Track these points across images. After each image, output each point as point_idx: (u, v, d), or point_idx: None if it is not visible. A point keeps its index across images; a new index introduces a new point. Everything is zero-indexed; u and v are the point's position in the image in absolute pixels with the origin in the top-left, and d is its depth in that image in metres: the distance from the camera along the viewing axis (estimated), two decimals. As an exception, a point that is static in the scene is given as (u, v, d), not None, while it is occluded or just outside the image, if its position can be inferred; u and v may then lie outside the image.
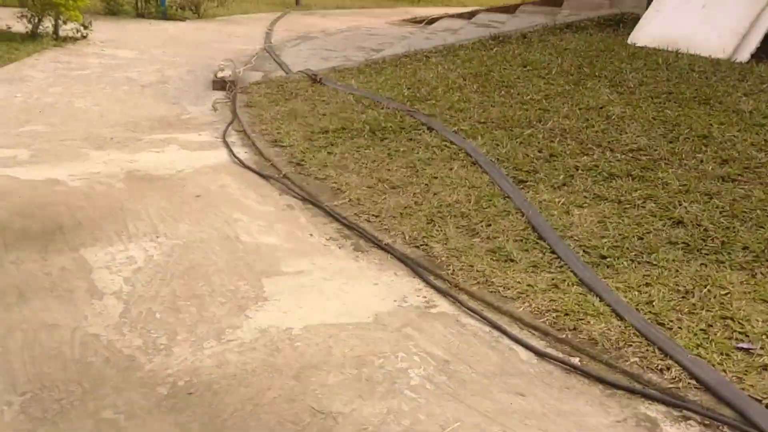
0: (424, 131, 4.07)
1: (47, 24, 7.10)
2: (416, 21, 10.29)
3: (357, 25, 9.70)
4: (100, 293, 2.47)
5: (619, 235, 2.89)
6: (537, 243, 2.86)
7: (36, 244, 2.81)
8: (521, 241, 2.89)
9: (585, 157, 3.59)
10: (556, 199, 3.19)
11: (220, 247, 2.88)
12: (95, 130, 4.29)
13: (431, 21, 9.76)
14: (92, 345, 2.17)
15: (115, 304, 2.41)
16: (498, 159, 3.63)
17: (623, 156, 3.56)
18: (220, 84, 5.46)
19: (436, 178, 3.49)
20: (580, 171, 3.45)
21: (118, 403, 1.91)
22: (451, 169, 3.57)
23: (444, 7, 13.28)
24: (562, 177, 3.40)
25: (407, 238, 2.95)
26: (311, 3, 12.32)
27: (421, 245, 2.89)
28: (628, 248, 2.79)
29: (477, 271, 2.68)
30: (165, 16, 9.23)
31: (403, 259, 2.81)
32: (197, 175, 3.69)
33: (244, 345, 2.21)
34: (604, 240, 2.85)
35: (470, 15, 9.67)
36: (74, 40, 7.14)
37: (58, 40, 7.03)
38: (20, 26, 7.09)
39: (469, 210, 3.15)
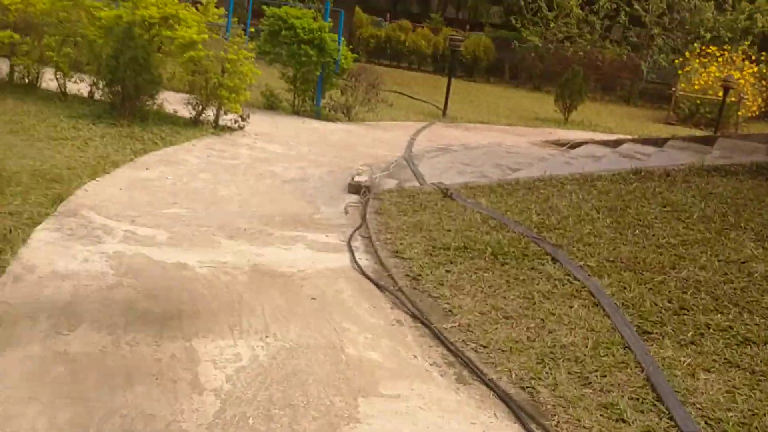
0: (547, 261, 3.96)
1: (209, 113, 7.68)
2: (559, 143, 10.26)
3: (499, 142, 9.80)
4: (201, 388, 2.52)
5: (749, 410, 2.62)
6: (654, 405, 2.65)
7: (153, 327, 2.93)
8: (637, 399, 2.68)
9: (719, 315, 3.33)
10: (682, 359, 2.96)
11: (323, 357, 2.88)
12: (231, 220, 4.51)
13: (574, 145, 9.70)
14: (181, 442, 2.19)
15: (212, 401, 2.44)
16: (623, 304, 3.45)
17: (762, 320, 3.28)
18: (355, 188, 5.63)
19: (553, 314, 3.36)
20: (711, 330, 3.20)
21: None
22: (570, 307, 3.43)
23: (591, 131, 13.19)
24: (690, 334, 3.16)
25: (514, 376, 2.82)
26: (458, 115, 12.62)
27: (527, 387, 2.75)
28: (757, 427, 2.52)
29: (584, 427, 2.51)
30: (318, 115, 9.75)
31: (506, 400, 2.68)
32: (317, 276, 3.76)
33: (327, 468, 2.16)
34: (731, 414, 2.60)
35: (615, 143, 9.53)
36: (231, 130, 7.66)
37: (217, 129, 7.57)
38: (185, 112, 7.71)
39: (585, 355, 2.98)
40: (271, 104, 9.82)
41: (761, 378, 2.84)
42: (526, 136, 11.03)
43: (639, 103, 22.46)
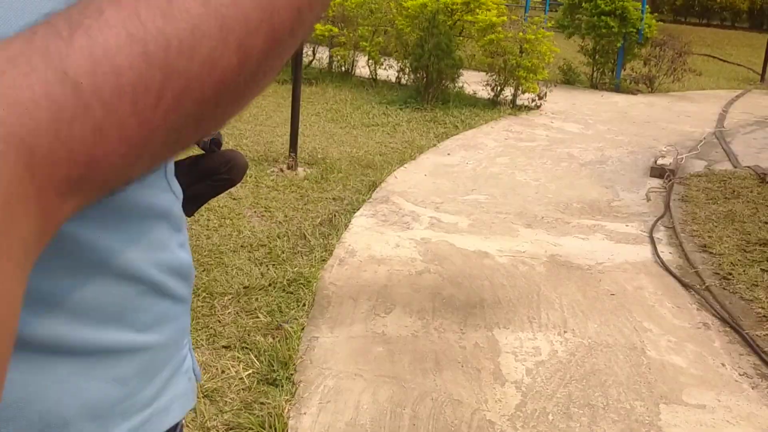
0: None
1: (507, 93, 7.82)
2: None
3: (832, 111, 8.58)
4: (503, 379, 2.67)
5: None
6: None
7: (458, 315, 3.16)
8: None
9: None
10: None
11: (623, 357, 2.87)
12: (529, 207, 4.61)
13: None
14: (487, 431, 2.37)
15: (514, 393, 2.59)
16: None
17: None
18: (658, 171, 5.37)
19: None
20: None
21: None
22: None
23: None
24: None
25: (843, 398, 2.55)
26: (780, 79, 11.26)
27: None
28: None
29: None
30: (618, 88, 9.39)
31: (832, 425, 2.44)
32: (615, 270, 3.71)
33: (627, 476, 2.18)
34: None
35: None
36: (528, 109, 7.74)
37: (514, 108, 7.69)
38: (483, 93, 7.95)
39: None
40: (568, 79, 9.69)
41: None
42: None
43: None
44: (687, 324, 3.17)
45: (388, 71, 8.65)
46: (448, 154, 5.78)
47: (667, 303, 3.37)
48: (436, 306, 3.23)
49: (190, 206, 3.47)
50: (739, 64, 12.90)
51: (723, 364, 2.85)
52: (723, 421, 2.48)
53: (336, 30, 8.51)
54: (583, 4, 9.09)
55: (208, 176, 3.37)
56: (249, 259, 3.62)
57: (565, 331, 3.05)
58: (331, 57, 9.16)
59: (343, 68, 9.12)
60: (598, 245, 4.03)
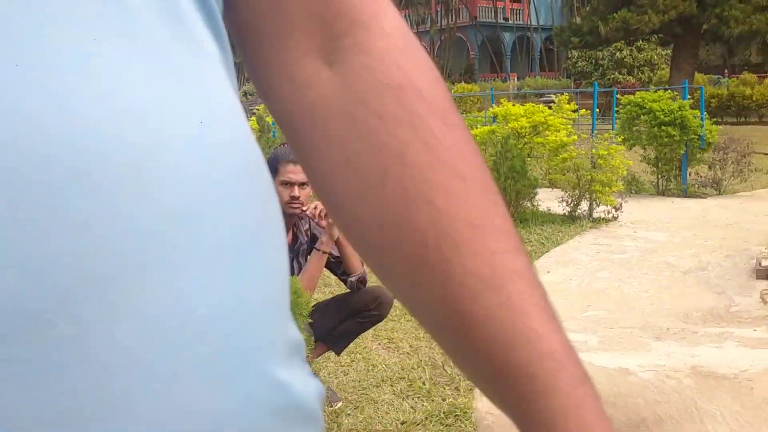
0: None
1: (584, 206, 7.96)
2: None
3: None
4: (699, 499, 2.63)
5: None
6: None
7: (626, 435, 3.14)
8: None
9: None
10: None
11: (812, 468, 2.80)
12: (650, 320, 4.61)
13: None
14: None
15: None
16: None
17: None
18: (764, 273, 5.36)
19: None
20: None
21: None
22: None
23: None
24: None
25: None
26: None
27: None
28: None
29: None
30: (685, 193, 9.49)
31: None
32: (762, 376, 3.66)
33: None
34: None
35: None
36: (606, 221, 7.84)
37: (593, 222, 7.80)
38: (558, 209, 8.09)
39: None
40: (634, 188, 9.83)
41: None
42: None
43: None
44: None
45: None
46: (548, 272, 5.85)
47: (829, 409, 3.31)
48: (600, 427, 3.21)
49: (341, 344, 3.57)
50: (795, 159, 12.97)
51: None
52: None
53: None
54: (642, 116, 9.36)
55: (357, 314, 3.49)
56: (394, 393, 3.67)
57: (740, 445, 3.00)
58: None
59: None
60: (734, 352, 4.00)
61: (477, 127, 8.36)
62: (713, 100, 22.25)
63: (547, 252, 6.57)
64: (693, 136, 9.20)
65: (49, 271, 0.27)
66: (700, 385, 3.62)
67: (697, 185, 9.67)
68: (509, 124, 8.02)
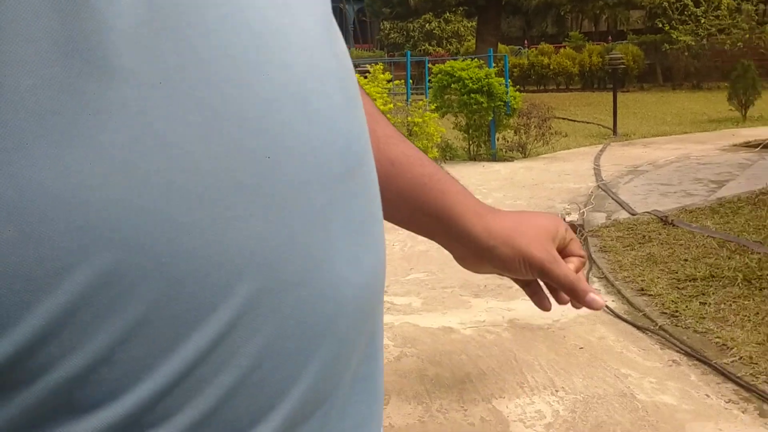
0: (809, 281, 3.87)
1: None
2: (749, 145, 9.82)
3: (685, 154, 9.53)
4: (523, 447, 2.72)
5: None
6: None
7: (452, 392, 3.19)
8: None
9: None
10: None
11: (619, 405, 3.00)
12: (469, 278, 4.75)
13: (769, 144, 9.25)
14: (532, 500, 2.39)
15: (539, 459, 2.64)
16: None
17: None
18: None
19: (838, 336, 3.29)
20: None
21: None
22: None
23: (776, 125, 12.47)
24: None
25: (821, 405, 2.81)
26: (629, 131, 12.39)
27: (842, 415, 2.73)
28: None
29: None
30: (495, 158, 9.97)
31: (824, 431, 2.67)
32: (574, 325, 3.90)
33: None
34: None
35: (816, 136, 8.98)
36: (424, 186, 8.03)
37: (412, 187, 7.96)
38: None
39: None
40: (447, 155, 10.17)
41: None
42: (710, 142, 10.65)
43: (816, 82, 20.89)
44: (659, 364, 3.38)
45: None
46: (371, 239, 5.88)
47: (632, 347, 3.58)
48: (428, 388, 3.25)
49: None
50: (588, 122, 14.08)
51: (707, 395, 3.05)
52: (732, 447, 2.65)
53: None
54: (452, 84, 9.67)
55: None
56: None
57: (556, 390, 3.16)
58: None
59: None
60: (547, 304, 4.21)
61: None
62: (515, 70, 23.62)
63: (368, 219, 6.60)
64: (499, 103, 9.65)
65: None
66: (517, 337, 3.78)
67: (504, 149, 10.18)
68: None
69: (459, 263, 0.80)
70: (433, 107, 8.75)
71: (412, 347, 3.70)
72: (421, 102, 8.02)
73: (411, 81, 12.10)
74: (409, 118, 7.78)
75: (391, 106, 7.87)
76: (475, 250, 0.75)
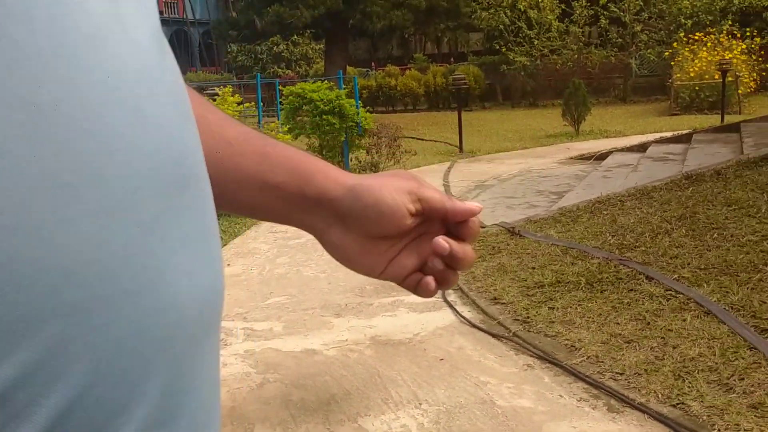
0: (643, 281, 4.18)
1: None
2: (583, 157, 10.55)
3: (526, 168, 10.07)
4: (391, 463, 2.73)
5: None
6: (801, 397, 2.84)
7: (318, 415, 3.15)
8: (783, 395, 2.88)
9: (826, 300, 3.54)
10: (808, 348, 3.16)
11: (480, 412, 3.09)
12: (329, 298, 4.74)
13: (600, 156, 9.97)
14: None
15: (407, 473, 2.65)
16: (732, 307, 3.66)
17: None
18: (424, 243, 5.86)
19: (670, 330, 3.56)
20: (825, 316, 3.41)
21: None
22: (684, 320, 3.64)
23: (605, 139, 13.48)
24: (807, 324, 3.37)
25: (660, 396, 3.02)
26: (474, 149, 12.94)
27: (677, 404, 2.95)
28: None
29: (744, 429, 2.70)
30: (349, 177, 10.07)
31: (663, 420, 2.88)
32: (433, 337, 3.98)
33: None
34: None
35: (640, 147, 9.80)
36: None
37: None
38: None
39: (717, 363, 3.18)
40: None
41: None
42: (548, 156, 11.32)
43: (634, 99, 22.84)
44: (514, 369, 3.51)
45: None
46: (229, 264, 5.72)
47: (489, 355, 3.70)
48: (293, 413, 3.18)
49: None
50: (436, 140, 14.57)
51: (561, 396, 3.20)
52: (586, 442, 2.80)
53: None
54: (304, 106, 9.68)
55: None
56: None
57: (420, 404, 3.20)
58: None
59: None
60: (406, 318, 4.29)
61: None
62: (364, 91, 24.04)
63: (226, 245, 6.44)
64: (351, 123, 9.77)
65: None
66: (380, 353, 3.80)
67: (358, 169, 10.30)
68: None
69: (341, 261, 0.70)
70: (285, 129, 8.72)
71: (275, 372, 3.62)
72: (273, 124, 7.95)
73: (262, 103, 11.98)
74: (262, 140, 7.68)
75: (243, 128, 7.75)
76: (340, 215, 0.67)
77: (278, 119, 8.26)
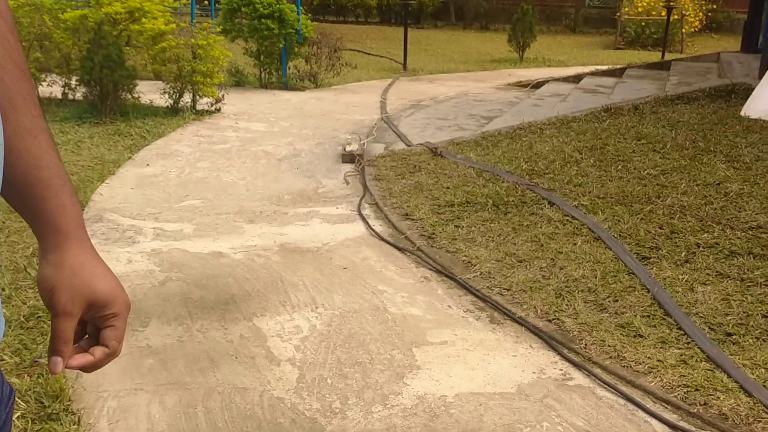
0: (545, 206, 4.36)
1: (186, 98, 7.84)
2: (521, 84, 10.64)
3: (464, 91, 10.12)
4: (277, 360, 2.87)
5: (744, 312, 3.07)
6: (663, 319, 3.08)
7: (215, 313, 3.26)
8: (648, 317, 3.11)
9: (705, 234, 3.77)
10: (680, 276, 3.39)
11: (372, 318, 3.24)
12: (245, 204, 4.80)
13: (537, 85, 10.08)
14: (279, 407, 2.55)
15: (291, 369, 2.80)
16: (620, 235, 3.87)
17: (743, 234, 3.72)
18: (348, 157, 5.93)
19: (560, 252, 3.76)
20: (701, 248, 3.64)
21: (310, 459, 2.27)
22: (575, 244, 3.83)
23: (546, 67, 13.57)
24: (684, 254, 3.60)
25: (539, 311, 3.23)
26: (418, 68, 12.87)
27: (553, 319, 3.16)
28: (753, 326, 2.97)
29: (608, 345, 2.92)
30: (286, 86, 9.94)
31: (538, 333, 3.08)
32: (341, 247, 4.10)
33: (407, 410, 2.54)
34: (729, 317, 3.04)
35: (576, 78, 9.93)
36: (210, 113, 7.86)
37: (196, 114, 7.75)
38: (161, 101, 7.86)
39: (596, 285, 3.40)
40: (238, 81, 9.98)
41: (750, 284, 3.29)
42: (488, 81, 11.37)
43: (585, 30, 22.85)
44: (412, 280, 3.67)
45: (52, 87, 8.06)
46: (148, 164, 5.69)
47: (391, 266, 3.85)
48: (191, 310, 3.28)
49: None
50: (382, 56, 14.41)
51: (450, 306, 3.38)
52: (463, 349, 2.99)
53: (-18, 47, 7.67)
54: (242, 8, 9.43)
55: None
56: (-35, 304, 3.27)
57: (316, 307, 3.34)
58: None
59: (-4, 89, 8.26)
60: (318, 228, 4.39)
61: (67, 11, 7.54)
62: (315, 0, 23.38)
63: (147, 145, 6.37)
64: (291, 30, 9.59)
65: None
66: (286, 260, 3.91)
67: (296, 78, 10.18)
68: (102, 9, 7.42)
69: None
70: (219, 29, 8.51)
71: (179, 272, 3.70)
72: (206, 24, 7.75)
73: (196, 2, 11.59)
74: (193, 41, 7.50)
75: (174, 26, 7.54)
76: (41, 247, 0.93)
77: (212, 18, 8.03)
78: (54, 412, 2.45)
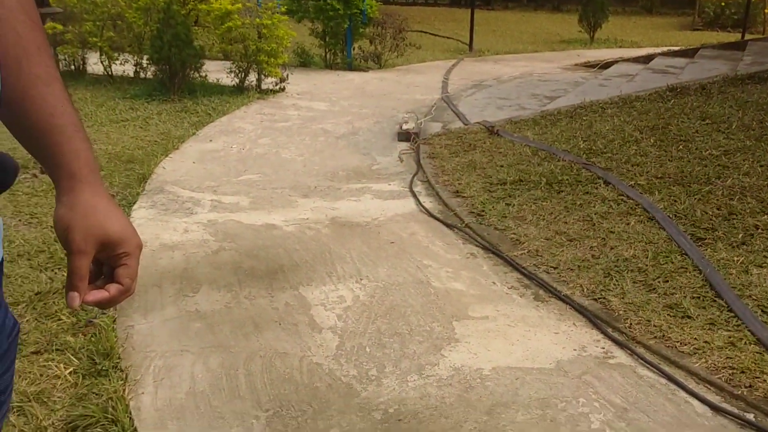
0: (600, 185, 4.27)
1: (252, 78, 8.00)
2: (589, 65, 10.40)
3: (529, 71, 9.96)
4: (319, 327, 2.93)
5: (800, 296, 2.95)
6: (714, 301, 2.99)
7: (263, 282, 3.35)
8: (698, 298, 3.03)
9: (765, 216, 3.63)
10: (735, 258, 3.29)
11: (414, 291, 3.27)
12: (301, 180, 4.88)
13: (606, 65, 9.83)
14: (317, 372, 2.61)
15: (331, 337, 2.85)
16: (676, 215, 3.76)
17: (807, 216, 3.57)
18: (404, 135, 5.94)
19: (612, 232, 3.69)
20: (759, 230, 3.51)
21: (342, 424, 2.31)
22: (627, 224, 3.76)
23: (618, 48, 13.21)
24: (741, 236, 3.48)
25: (585, 290, 3.18)
26: (484, 48, 12.74)
27: (599, 298, 3.11)
28: (809, 310, 2.85)
29: (654, 325, 2.86)
30: (350, 67, 10.00)
31: (582, 311, 3.05)
32: (390, 222, 4.13)
33: (442, 381, 2.56)
34: (784, 301, 2.93)
35: (646, 59, 9.64)
36: (274, 92, 7.99)
37: (261, 93, 7.90)
38: (227, 80, 8.04)
39: (646, 266, 3.32)
40: (303, 61, 10.10)
41: (809, 268, 3.15)
42: (555, 62, 11.16)
43: (662, 10, 22.12)
44: (458, 256, 3.67)
45: (125, 66, 8.35)
46: (210, 140, 5.84)
47: (438, 242, 3.86)
48: (241, 278, 3.38)
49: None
50: (449, 37, 14.32)
51: (494, 283, 3.37)
52: (505, 325, 2.98)
53: (60, 27, 8.01)
54: (309, -11, 9.53)
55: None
56: (31, 267, 3.46)
57: (361, 279, 3.38)
58: (56, 56, 8.59)
59: (72, 67, 8.62)
60: (370, 204, 4.43)
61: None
62: (385, -19, 23.37)
63: (212, 122, 6.54)
64: (356, 11, 9.62)
65: None
66: (336, 233, 3.96)
67: (360, 59, 10.23)
68: (172, -11, 7.63)
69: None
70: (284, 9, 8.62)
71: (232, 242, 3.80)
72: (271, 4, 7.87)
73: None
74: (258, 20, 7.63)
75: (240, 6, 7.68)
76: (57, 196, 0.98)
77: (278, -1, 8.17)
78: (103, 368, 2.57)
